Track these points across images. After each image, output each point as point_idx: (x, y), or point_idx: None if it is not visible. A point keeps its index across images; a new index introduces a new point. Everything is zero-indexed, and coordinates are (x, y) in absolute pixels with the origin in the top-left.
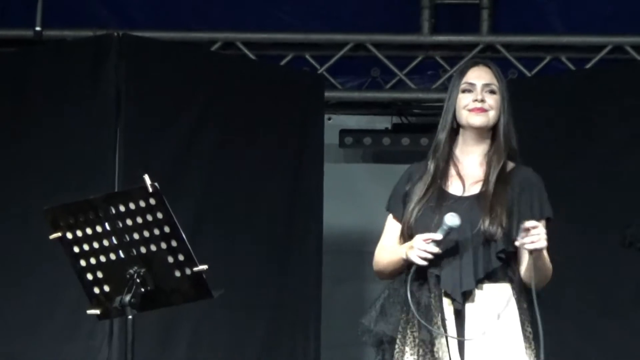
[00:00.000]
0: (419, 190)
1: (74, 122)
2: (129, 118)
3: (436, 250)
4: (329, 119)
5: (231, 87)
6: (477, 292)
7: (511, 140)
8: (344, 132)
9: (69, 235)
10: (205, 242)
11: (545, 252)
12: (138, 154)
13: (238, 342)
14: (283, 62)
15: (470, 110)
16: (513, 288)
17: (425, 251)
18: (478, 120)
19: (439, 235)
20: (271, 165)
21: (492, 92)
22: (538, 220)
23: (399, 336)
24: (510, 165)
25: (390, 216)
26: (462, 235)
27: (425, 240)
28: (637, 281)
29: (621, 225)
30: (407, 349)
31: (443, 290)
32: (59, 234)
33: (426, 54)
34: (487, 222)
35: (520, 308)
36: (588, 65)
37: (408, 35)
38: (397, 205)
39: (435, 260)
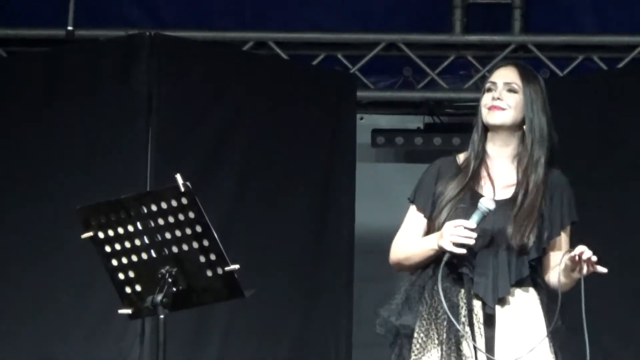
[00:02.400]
0: (451, 190)
1: (106, 122)
2: (160, 118)
3: (470, 234)
4: (361, 118)
5: (263, 86)
6: (508, 297)
7: (544, 143)
8: (376, 132)
9: (101, 235)
10: (237, 241)
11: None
12: (170, 154)
13: (269, 341)
14: (315, 62)
15: (488, 109)
16: (538, 292)
17: (460, 236)
18: (493, 118)
19: (472, 223)
20: (303, 164)
21: (512, 91)
22: (566, 227)
23: (422, 330)
24: (544, 169)
25: (414, 208)
26: (495, 239)
27: (456, 226)
28: None
29: None
30: (429, 344)
31: (474, 293)
32: (91, 234)
33: (458, 54)
34: (519, 233)
35: (547, 312)
36: (620, 65)
37: (440, 35)
38: (425, 200)
39: (468, 262)
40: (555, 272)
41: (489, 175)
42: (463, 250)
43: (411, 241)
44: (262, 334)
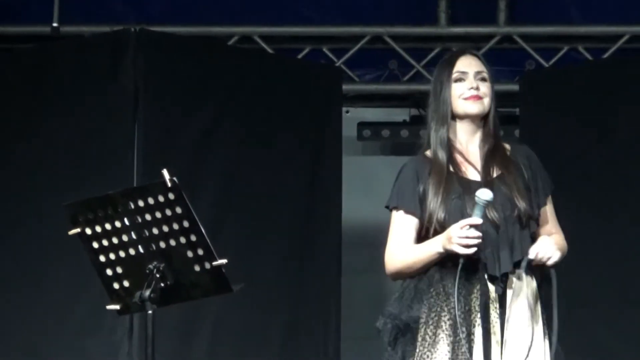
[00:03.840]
0: (437, 185)
1: (92, 118)
2: (147, 113)
3: (478, 234)
4: (347, 111)
5: (249, 81)
6: (513, 278)
7: (497, 124)
8: (361, 125)
9: (88, 231)
10: (225, 236)
11: (555, 236)
12: (157, 149)
13: (258, 335)
14: (300, 56)
15: (466, 99)
16: (533, 273)
17: (469, 237)
18: (475, 107)
19: (478, 219)
20: (289, 158)
21: (484, 79)
22: (549, 195)
23: (429, 323)
24: (507, 146)
25: (401, 213)
26: (496, 217)
27: (462, 227)
28: None
29: None
30: (439, 342)
31: (486, 275)
32: (78, 230)
33: (443, 46)
34: (522, 203)
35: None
36: (605, 55)
37: (425, 27)
38: (411, 202)
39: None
40: None
41: (467, 160)
42: (474, 250)
43: (408, 249)
44: (251, 328)
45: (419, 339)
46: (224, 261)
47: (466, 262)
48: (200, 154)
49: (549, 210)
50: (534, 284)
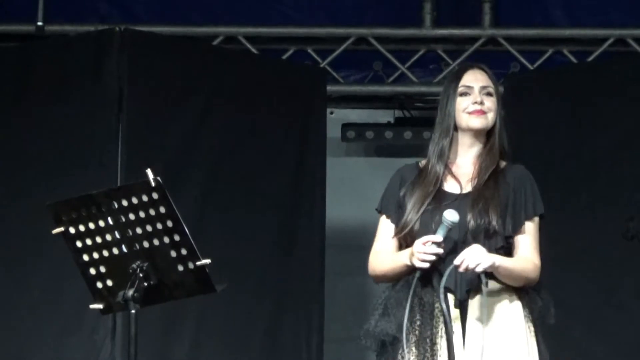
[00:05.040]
0: (416, 194)
1: (76, 117)
2: (131, 112)
3: (438, 250)
4: (331, 112)
5: (233, 81)
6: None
7: (504, 140)
8: (346, 126)
9: (72, 230)
10: (208, 236)
11: (506, 263)
12: (140, 149)
13: (241, 336)
14: (285, 56)
15: (470, 113)
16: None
17: (426, 253)
18: (478, 122)
19: (439, 237)
20: (274, 159)
21: (489, 94)
22: (532, 217)
23: (404, 336)
24: (503, 163)
25: (383, 217)
26: (462, 232)
27: (424, 243)
28: (638, 273)
29: (625, 218)
30: (412, 348)
31: (445, 288)
32: (62, 229)
33: (428, 48)
34: (479, 219)
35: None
36: (590, 58)
37: (410, 29)
38: (391, 206)
39: (438, 259)
40: None
41: (452, 173)
42: (428, 265)
43: (386, 256)
44: (234, 329)
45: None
46: (208, 261)
47: (426, 275)
48: (183, 154)
49: (528, 234)
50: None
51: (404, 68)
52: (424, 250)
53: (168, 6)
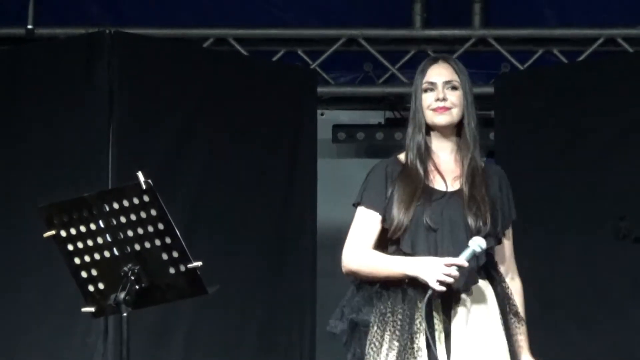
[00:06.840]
0: (404, 191)
1: (67, 120)
2: (122, 115)
3: (457, 274)
4: (322, 114)
5: (224, 83)
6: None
7: (476, 134)
8: (336, 127)
9: (63, 233)
10: (200, 238)
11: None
12: (131, 151)
13: (234, 337)
14: (275, 58)
15: (433, 110)
16: (492, 283)
17: (450, 276)
18: (442, 119)
19: (464, 262)
20: (264, 160)
21: (454, 88)
22: (511, 222)
23: (379, 326)
24: (482, 161)
25: (363, 209)
26: (453, 230)
27: (448, 264)
28: (631, 273)
29: (615, 217)
30: (386, 337)
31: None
32: (53, 232)
33: (418, 48)
34: (475, 221)
35: (500, 304)
36: (580, 58)
37: (400, 30)
38: (377, 199)
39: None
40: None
41: (437, 169)
42: (445, 288)
43: (369, 253)
44: (226, 330)
45: (367, 342)
46: (199, 264)
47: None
48: (175, 156)
49: (508, 238)
50: (489, 291)
51: (394, 69)
52: (447, 272)
53: (158, 8)
